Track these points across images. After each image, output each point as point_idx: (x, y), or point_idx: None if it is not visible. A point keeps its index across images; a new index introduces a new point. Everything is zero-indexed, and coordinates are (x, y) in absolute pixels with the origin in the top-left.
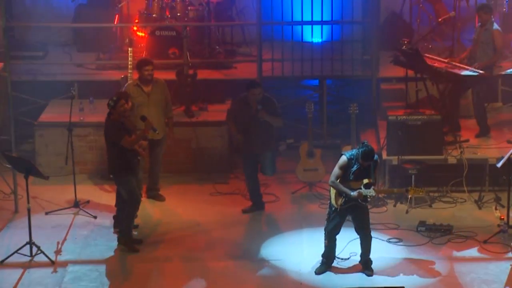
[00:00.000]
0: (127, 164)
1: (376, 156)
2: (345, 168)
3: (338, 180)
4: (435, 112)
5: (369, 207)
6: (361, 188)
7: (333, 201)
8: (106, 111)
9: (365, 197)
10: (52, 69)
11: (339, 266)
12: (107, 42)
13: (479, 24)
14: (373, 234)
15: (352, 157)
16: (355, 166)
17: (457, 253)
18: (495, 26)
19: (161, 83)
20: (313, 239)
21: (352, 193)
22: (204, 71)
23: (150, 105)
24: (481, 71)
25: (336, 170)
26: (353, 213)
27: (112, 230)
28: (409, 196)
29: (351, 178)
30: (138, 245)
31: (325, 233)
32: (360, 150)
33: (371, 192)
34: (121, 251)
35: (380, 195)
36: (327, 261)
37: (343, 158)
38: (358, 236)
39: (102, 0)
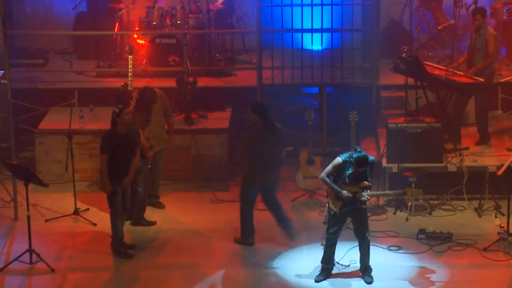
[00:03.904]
0: (115, 175)
1: (371, 158)
2: (338, 168)
3: (330, 178)
4: (435, 120)
5: (369, 214)
6: (357, 192)
7: (331, 205)
8: (106, 118)
9: (361, 200)
10: (52, 77)
11: (338, 274)
12: (107, 50)
13: (474, 30)
14: (373, 242)
15: (347, 159)
16: (350, 169)
17: (456, 261)
18: (490, 30)
19: (160, 96)
20: (313, 247)
21: (342, 192)
22: (204, 79)
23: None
24: (479, 79)
25: (329, 168)
26: (353, 216)
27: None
28: (407, 195)
29: (347, 181)
30: (131, 250)
31: (324, 237)
32: (353, 157)
33: (365, 195)
34: (118, 258)
35: (380, 203)
36: (327, 268)
37: (338, 159)
38: (357, 238)
39: (103, 8)
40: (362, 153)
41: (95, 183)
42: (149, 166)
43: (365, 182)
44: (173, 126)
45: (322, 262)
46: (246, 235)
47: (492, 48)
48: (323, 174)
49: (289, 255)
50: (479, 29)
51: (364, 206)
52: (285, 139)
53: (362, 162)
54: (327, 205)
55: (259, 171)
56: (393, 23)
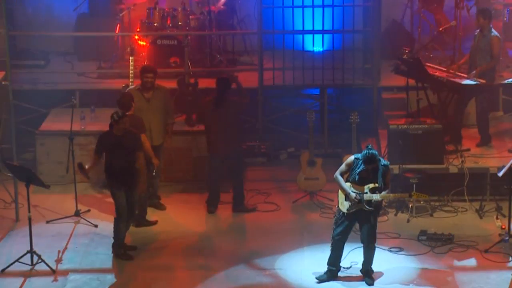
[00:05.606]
0: (112, 176)
1: (385, 162)
2: (350, 165)
3: (344, 177)
4: (436, 121)
5: (378, 219)
6: (366, 192)
7: (340, 206)
8: (108, 119)
9: (369, 202)
10: (54, 78)
11: (339, 275)
12: (109, 51)
13: (477, 30)
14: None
15: (358, 157)
16: (361, 167)
17: (458, 262)
18: (494, 32)
19: (163, 90)
20: (314, 248)
21: (351, 192)
22: (205, 80)
23: (149, 111)
24: (481, 80)
25: (342, 166)
26: (360, 220)
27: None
28: (413, 198)
29: (356, 179)
30: (132, 252)
31: (331, 239)
32: (363, 153)
33: (372, 196)
34: (119, 259)
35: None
36: (331, 270)
37: (351, 157)
38: (362, 245)
39: (104, 9)
40: (371, 151)
41: (96, 184)
42: (154, 174)
43: (374, 183)
44: (171, 127)
45: (327, 263)
46: (208, 202)
47: (497, 50)
48: (337, 172)
49: (290, 256)
50: (483, 30)
51: (371, 208)
52: (238, 117)
53: (369, 158)
54: (337, 206)
55: (210, 140)
56: (394, 25)
